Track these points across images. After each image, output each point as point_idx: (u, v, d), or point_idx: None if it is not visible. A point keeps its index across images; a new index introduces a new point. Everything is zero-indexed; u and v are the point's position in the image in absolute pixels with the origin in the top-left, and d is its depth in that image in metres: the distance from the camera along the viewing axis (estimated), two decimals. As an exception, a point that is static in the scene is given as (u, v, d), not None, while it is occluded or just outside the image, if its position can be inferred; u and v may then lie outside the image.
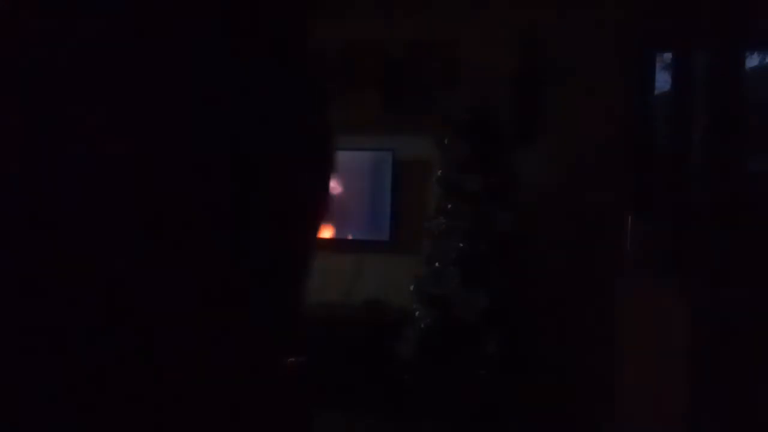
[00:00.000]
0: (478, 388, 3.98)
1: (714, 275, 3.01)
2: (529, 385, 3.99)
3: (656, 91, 4.10)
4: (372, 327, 4.26)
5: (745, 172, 3.10)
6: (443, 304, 4.11)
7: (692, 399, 2.65)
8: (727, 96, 3.03)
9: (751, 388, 2.61)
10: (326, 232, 4.40)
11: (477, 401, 3.95)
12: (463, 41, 4.47)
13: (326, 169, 0.76)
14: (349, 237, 4.51)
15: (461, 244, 4.15)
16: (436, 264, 4.20)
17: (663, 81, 4.00)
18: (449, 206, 4.24)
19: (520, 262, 4.20)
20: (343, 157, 3.35)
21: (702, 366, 2.64)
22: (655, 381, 2.92)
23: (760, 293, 2.80)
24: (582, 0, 4.25)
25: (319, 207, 0.76)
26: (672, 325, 2.79)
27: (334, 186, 4.14)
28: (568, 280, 4.26)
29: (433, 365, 4.08)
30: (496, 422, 3.88)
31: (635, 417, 3.15)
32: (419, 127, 4.42)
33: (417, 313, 4.18)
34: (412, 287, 4.06)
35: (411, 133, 4.37)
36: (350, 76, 4.46)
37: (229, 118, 0.66)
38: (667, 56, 3.91)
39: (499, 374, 3.98)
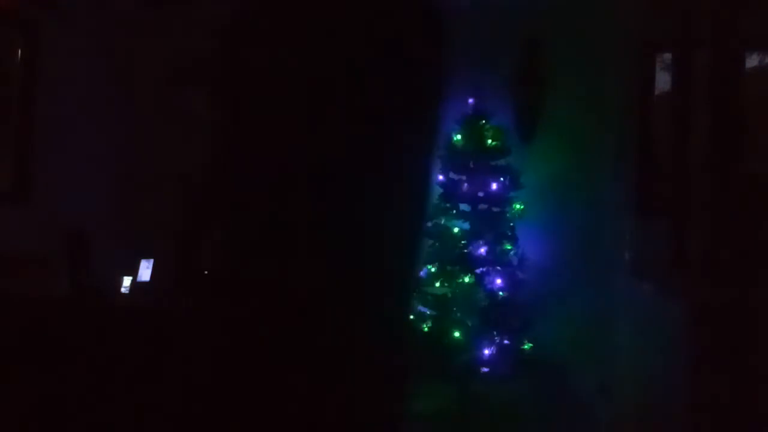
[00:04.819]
0: (478, 387, 3.98)
1: (714, 275, 3.01)
2: (528, 384, 4.00)
3: (656, 91, 4.10)
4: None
5: (745, 172, 3.10)
6: (443, 304, 4.11)
7: (692, 398, 2.66)
8: (727, 96, 3.03)
9: (751, 388, 2.61)
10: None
11: (477, 400, 3.95)
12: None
13: None
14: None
15: (461, 244, 4.16)
16: (436, 264, 4.20)
17: (663, 81, 3.99)
18: (449, 206, 4.25)
19: (519, 262, 4.21)
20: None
21: (702, 366, 2.64)
22: (654, 381, 2.92)
23: (760, 293, 2.80)
24: (582, 0, 4.25)
25: None
26: (672, 325, 2.79)
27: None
28: (567, 280, 4.26)
29: (433, 365, 4.08)
30: (496, 421, 3.88)
31: (634, 416, 3.15)
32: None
33: (417, 313, 4.18)
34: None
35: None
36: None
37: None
38: (667, 56, 3.91)
39: (498, 374, 3.99)
